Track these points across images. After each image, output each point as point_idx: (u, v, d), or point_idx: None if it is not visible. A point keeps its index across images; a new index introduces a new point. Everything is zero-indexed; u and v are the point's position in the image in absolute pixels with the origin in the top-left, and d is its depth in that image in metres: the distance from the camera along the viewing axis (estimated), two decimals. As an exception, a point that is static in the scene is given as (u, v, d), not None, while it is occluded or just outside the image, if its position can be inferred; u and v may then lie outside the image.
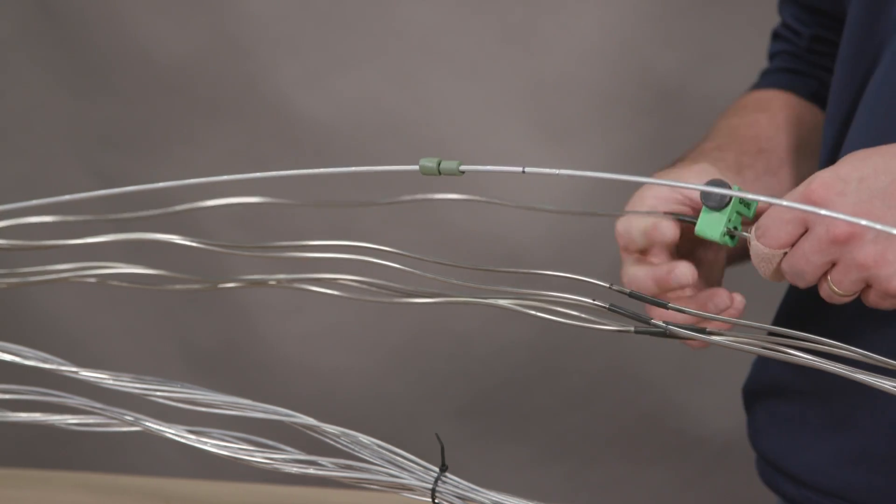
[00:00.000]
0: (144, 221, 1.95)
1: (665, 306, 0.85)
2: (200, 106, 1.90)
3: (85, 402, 0.91)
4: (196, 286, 0.95)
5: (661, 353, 1.91)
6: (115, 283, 0.96)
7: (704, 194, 0.87)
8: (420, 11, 1.83)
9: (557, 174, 0.73)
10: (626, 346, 1.91)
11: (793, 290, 1.07)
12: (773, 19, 1.21)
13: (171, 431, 0.87)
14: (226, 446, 0.87)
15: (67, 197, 0.84)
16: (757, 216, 0.88)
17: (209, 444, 0.87)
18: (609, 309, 0.84)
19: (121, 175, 1.95)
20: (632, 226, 0.90)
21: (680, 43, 1.81)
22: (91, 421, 0.91)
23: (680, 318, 0.86)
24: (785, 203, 0.67)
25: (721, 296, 0.90)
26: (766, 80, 1.15)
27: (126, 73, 1.90)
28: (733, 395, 1.16)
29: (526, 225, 1.89)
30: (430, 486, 0.83)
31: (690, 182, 0.91)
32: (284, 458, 0.86)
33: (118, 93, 1.92)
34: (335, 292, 0.91)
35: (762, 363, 1.09)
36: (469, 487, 0.83)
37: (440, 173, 0.77)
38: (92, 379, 0.89)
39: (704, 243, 0.93)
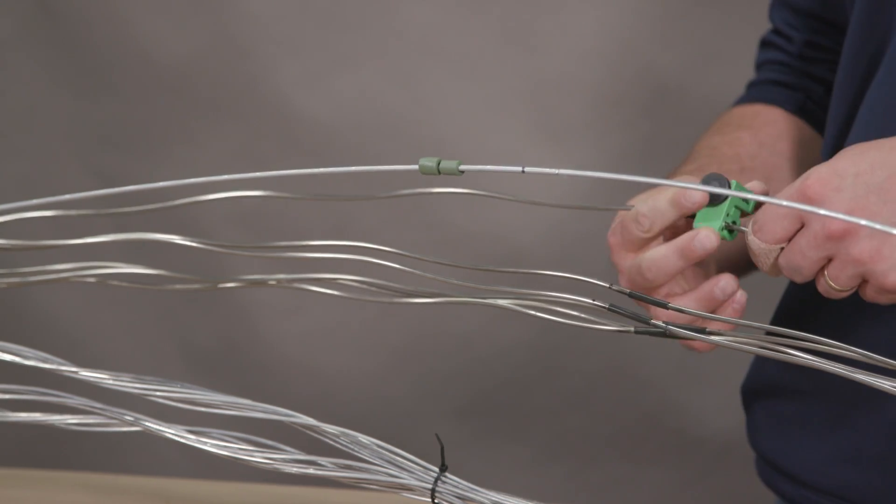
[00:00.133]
0: (144, 221, 1.96)
1: (665, 306, 0.85)
2: (200, 106, 1.90)
3: (85, 402, 0.90)
4: (196, 286, 0.95)
5: (661, 353, 1.91)
6: (115, 282, 0.96)
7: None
8: (420, 11, 1.83)
9: (557, 174, 0.73)
10: (626, 346, 1.91)
11: (792, 288, 1.07)
12: (772, 20, 1.20)
13: (171, 431, 0.87)
14: (226, 446, 0.87)
15: (67, 196, 0.84)
16: (756, 209, 0.88)
17: (209, 444, 0.87)
18: (609, 309, 0.84)
19: (121, 175, 1.95)
20: (657, 200, 0.88)
21: (680, 43, 1.81)
22: (91, 421, 0.91)
23: (680, 318, 0.86)
24: (784, 203, 0.67)
25: (726, 279, 0.88)
26: (753, 92, 1.14)
27: (126, 73, 1.90)
28: (733, 395, 1.16)
29: (526, 225, 1.89)
30: (430, 486, 0.83)
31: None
32: (284, 458, 0.86)
33: (118, 93, 1.92)
34: (335, 292, 0.91)
35: (761, 363, 1.09)
36: (469, 487, 0.83)
37: (440, 173, 0.77)
38: (92, 379, 0.89)
39: None
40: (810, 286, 0.87)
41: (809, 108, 1.11)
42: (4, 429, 1.98)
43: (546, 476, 2.00)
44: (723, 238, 0.87)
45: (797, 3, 1.12)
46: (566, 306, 0.83)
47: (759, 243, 0.84)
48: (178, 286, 0.96)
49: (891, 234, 0.76)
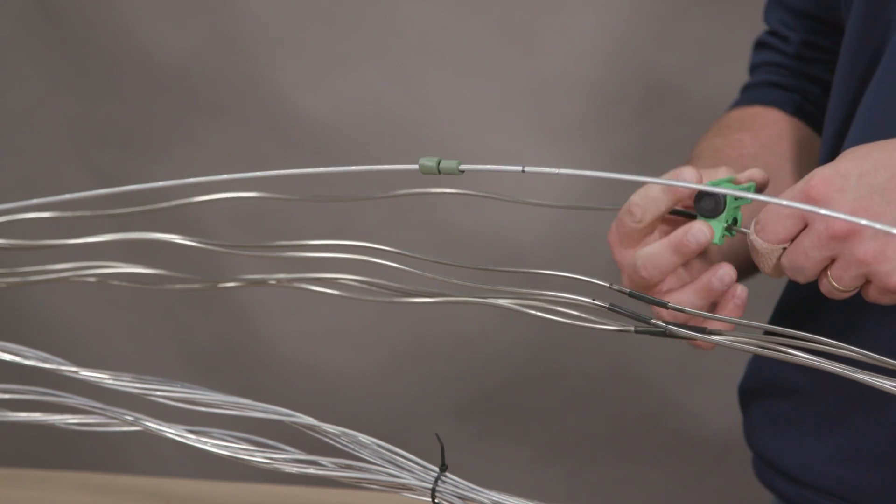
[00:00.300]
0: (144, 221, 1.96)
1: (665, 306, 0.85)
2: (200, 106, 1.90)
3: (85, 402, 0.90)
4: (196, 286, 0.95)
5: (661, 353, 1.91)
6: (115, 282, 0.96)
7: (697, 202, 0.86)
8: (420, 11, 1.84)
9: (557, 173, 0.73)
10: (626, 345, 1.91)
11: (791, 287, 1.07)
12: (772, 19, 1.20)
13: (171, 431, 0.87)
14: (226, 446, 0.87)
15: (67, 196, 0.84)
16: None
17: (209, 444, 0.87)
18: (609, 309, 0.83)
19: (120, 175, 1.95)
20: (649, 188, 0.86)
21: (679, 43, 1.81)
22: (91, 421, 0.91)
23: (682, 316, 0.85)
24: (787, 203, 0.67)
25: (724, 268, 0.87)
26: (749, 95, 1.14)
27: (126, 73, 1.90)
28: (733, 394, 1.16)
29: (526, 225, 1.89)
30: (430, 486, 0.83)
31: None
32: (284, 458, 0.86)
33: (118, 93, 1.92)
34: (335, 292, 0.91)
35: (758, 362, 1.09)
36: (469, 487, 0.83)
37: (440, 172, 0.77)
38: (92, 379, 0.89)
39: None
40: (809, 285, 0.87)
41: (807, 109, 1.11)
42: (4, 429, 1.98)
43: (546, 476, 2.00)
44: (725, 235, 0.87)
45: (793, 4, 1.12)
46: (566, 306, 0.83)
47: (761, 243, 0.84)
48: (178, 286, 0.96)
49: (894, 235, 0.76)
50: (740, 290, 0.88)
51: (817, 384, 1.01)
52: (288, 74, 1.87)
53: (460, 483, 0.83)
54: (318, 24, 1.85)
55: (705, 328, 0.84)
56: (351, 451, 0.85)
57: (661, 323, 0.83)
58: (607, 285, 0.85)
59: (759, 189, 0.90)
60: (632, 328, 0.85)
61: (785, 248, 0.84)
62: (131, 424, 0.89)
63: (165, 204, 0.90)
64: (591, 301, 0.83)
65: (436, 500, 0.83)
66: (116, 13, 1.87)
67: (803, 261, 0.83)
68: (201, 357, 2.02)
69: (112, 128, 1.94)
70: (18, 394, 0.94)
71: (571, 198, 1.85)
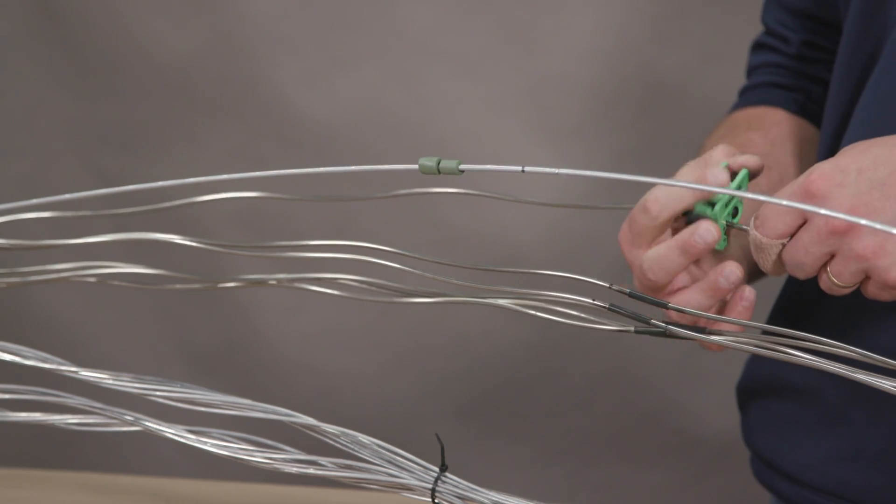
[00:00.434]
0: (144, 221, 1.96)
1: (665, 306, 0.85)
2: (200, 106, 1.90)
3: (85, 402, 0.90)
4: (196, 286, 0.95)
5: (661, 353, 1.92)
6: (115, 282, 0.96)
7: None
8: (420, 11, 1.84)
9: (557, 174, 0.73)
10: (626, 346, 1.91)
11: (788, 286, 1.07)
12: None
13: (171, 431, 0.87)
14: (226, 446, 0.87)
15: (67, 196, 0.84)
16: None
17: (209, 444, 0.87)
18: (609, 309, 0.83)
19: (121, 175, 1.95)
20: (671, 189, 0.85)
21: (680, 43, 1.81)
22: (91, 421, 0.91)
23: (686, 317, 0.85)
24: (784, 202, 0.67)
25: (730, 266, 0.85)
26: (751, 96, 1.14)
27: (126, 73, 1.90)
28: (733, 395, 1.16)
29: (526, 225, 1.89)
30: (430, 486, 0.83)
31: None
32: (284, 458, 0.86)
33: (118, 93, 1.92)
34: (335, 292, 0.91)
35: (756, 362, 1.09)
36: (469, 487, 0.83)
37: (440, 172, 0.77)
38: (92, 379, 0.89)
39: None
40: (807, 286, 0.87)
41: (811, 109, 1.11)
42: (4, 429, 1.99)
43: (546, 476, 2.00)
44: (723, 246, 0.87)
45: (792, 4, 1.12)
46: (566, 306, 0.83)
47: (761, 238, 0.84)
48: (178, 286, 0.96)
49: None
50: (748, 291, 0.86)
51: (816, 383, 1.01)
52: (288, 74, 1.87)
53: (460, 483, 0.83)
54: (318, 24, 1.85)
55: (705, 328, 0.84)
56: (351, 451, 0.85)
57: (660, 323, 0.83)
58: (607, 285, 0.84)
59: (753, 176, 0.89)
60: (632, 328, 0.85)
61: (785, 244, 0.84)
62: (131, 424, 0.89)
63: (167, 204, 0.90)
64: (591, 301, 0.83)
65: (436, 500, 0.83)
66: (116, 13, 1.87)
67: (803, 256, 0.83)
68: (201, 357, 2.02)
69: (112, 128, 1.94)
70: (18, 394, 0.94)
71: (571, 198, 1.85)
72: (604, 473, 1.99)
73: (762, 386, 1.07)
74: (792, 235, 0.84)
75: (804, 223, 0.83)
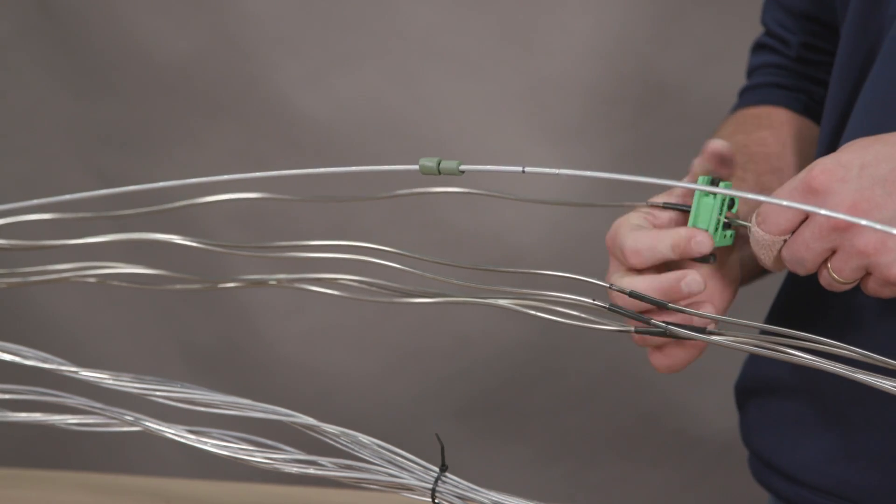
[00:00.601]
0: (144, 221, 1.96)
1: (665, 306, 0.85)
2: (200, 106, 1.90)
3: (85, 402, 0.91)
4: (196, 286, 0.95)
5: (661, 353, 1.91)
6: (115, 283, 0.96)
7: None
8: (420, 11, 1.84)
9: (557, 174, 0.73)
10: (626, 346, 1.91)
11: (787, 286, 1.07)
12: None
13: (171, 431, 0.87)
14: (226, 446, 0.87)
15: (67, 196, 0.84)
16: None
17: (209, 444, 0.87)
18: (609, 309, 0.84)
19: (121, 175, 1.95)
20: (657, 239, 0.85)
21: (679, 43, 1.81)
22: (91, 421, 0.91)
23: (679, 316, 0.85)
24: (784, 203, 0.67)
25: (692, 275, 0.85)
26: (753, 96, 1.14)
27: (126, 73, 1.90)
28: (732, 395, 1.16)
29: (526, 225, 1.89)
30: (430, 486, 0.83)
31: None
32: (284, 458, 0.86)
33: (118, 93, 1.92)
34: (335, 292, 0.91)
35: (754, 361, 1.09)
36: (469, 487, 0.83)
37: (440, 173, 0.77)
38: (92, 379, 0.89)
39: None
40: (806, 285, 0.87)
41: (813, 109, 1.11)
42: (4, 429, 1.98)
43: (546, 476, 2.00)
44: (722, 244, 0.87)
45: (791, 5, 1.12)
46: (566, 306, 0.83)
47: (762, 235, 0.84)
48: (178, 286, 0.96)
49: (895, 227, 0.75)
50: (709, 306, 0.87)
51: (814, 383, 1.01)
52: (288, 74, 1.87)
53: (460, 483, 0.83)
54: (318, 24, 1.85)
55: (705, 328, 0.84)
56: (351, 451, 0.85)
57: (660, 323, 0.83)
58: (607, 286, 0.84)
59: (725, 162, 0.89)
60: (632, 328, 0.85)
61: (786, 240, 0.84)
62: (131, 424, 0.90)
63: (168, 206, 0.90)
64: (591, 301, 0.83)
65: (436, 500, 0.83)
66: (116, 13, 1.87)
67: (804, 252, 0.83)
68: (201, 357, 2.02)
69: (112, 128, 1.94)
70: (18, 394, 0.94)
71: (571, 198, 1.85)
72: (604, 473, 1.99)
73: (760, 385, 1.07)
74: (793, 232, 0.84)
75: (806, 219, 0.83)
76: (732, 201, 0.87)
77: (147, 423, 0.88)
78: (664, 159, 1.83)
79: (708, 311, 0.86)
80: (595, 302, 0.83)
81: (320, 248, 0.88)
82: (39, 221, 0.93)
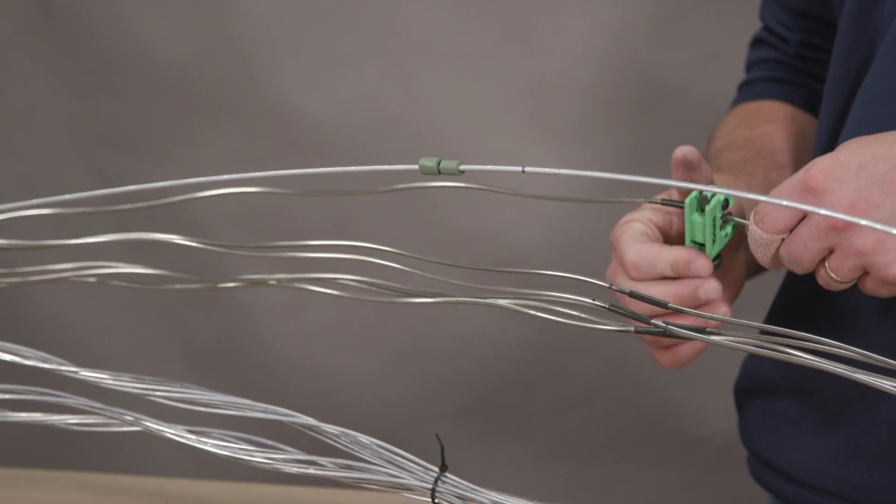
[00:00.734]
0: (144, 221, 1.95)
1: (665, 306, 0.85)
2: (200, 106, 1.90)
3: (85, 402, 0.91)
4: (196, 286, 0.95)
5: (661, 353, 1.91)
6: (115, 282, 0.96)
7: None
8: (420, 11, 1.84)
9: (557, 174, 0.73)
10: (626, 346, 1.91)
11: (786, 286, 1.07)
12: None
13: (171, 431, 0.87)
14: (226, 446, 0.87)
15: (67, 196, 0.84)
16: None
17: (209, 444, 0.87)
18: (609, 309, 0.84)
19: (121, 175, 1.95)
20: (658, 258, 0.86)
21: (679, 43, 1.81)
22: (91, 421, 0.91)
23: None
24: (784, 203, 0.67)
25: (712, 283, 0.86)
26: (753, 90, 1.13)
27: (126, 73, 1.90)
28: (732, 395, 1.16)
29: (526, 225, 1.89)
30: (430, 486, 0.83)
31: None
32: (284, 458, 0.86)
33: (118, 93, 1.92)
34: (335, 292, 0.91)
35: (753, 362, 1.09)
36: (469, 487, 0.83)
37: (440, 172, 0.77)
38: (92, 379, 0.89)
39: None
40: (805, 285, 0.87)
41: (814, 104, 1.11)
42: (4, 429, 1.98)
43: (546, 476, 2.00)
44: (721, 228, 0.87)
45: (789, 1, 1.12)
46: (566, 306, 0.83)
47: (760, 234, 0.84)
48: (178, 286, 0.96)
49: (893, 226, 0.75)
50: (724, 307, 0.87)
51: (813, 383, 1.01)
52: (288, 74, 1.87)
53: (460, 483, 0.83)
54: (318, 24, 1.85)
55: (705, 328, 0.84)
56: (351, 451, 0.85)
57: (660, 323, 0.83)
58: (607, 286, 0.84)
59: (691, 166, 0.89)
60: (632, 328, 0.85)
61: (784, 239, 0.84)
62: (131, 424, 0.90)
63: (166, 200, 0.90)
64: (591, 301, 0.83)
65: (436, 501, 0.83)
66: (116, 13, 1.87)
67: (802, 251, 0.83)
68: (201, 357, 2.02)
69: (112, 128, 1.94)
70: (18, 394, 0.94)
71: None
72: (604, 473, 1.99)
73: (759, 386, 1.07)
74: (791, 230, 0.84)
75: (804, 218, 0.83)
76: (727, 201, 0.87)
77: (147, 423, 0.88)
78: (664, 159, 1.82)
79: (722, 312, 0.86)
80: (595, 302, 0.83)
81: (320, 247, 0.88)
82: (39, 222, 0.93)
